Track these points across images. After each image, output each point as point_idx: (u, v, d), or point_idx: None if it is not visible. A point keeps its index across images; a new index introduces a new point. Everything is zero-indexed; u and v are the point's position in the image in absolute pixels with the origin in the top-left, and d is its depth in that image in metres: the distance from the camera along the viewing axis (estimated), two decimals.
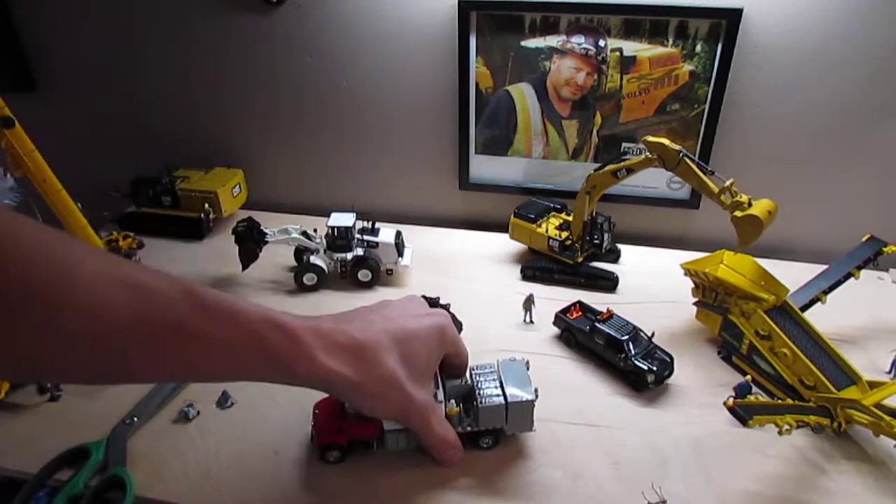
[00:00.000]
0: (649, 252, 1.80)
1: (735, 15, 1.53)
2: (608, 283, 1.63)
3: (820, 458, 1.13)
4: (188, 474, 1.11)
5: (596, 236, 1.66)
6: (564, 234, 1.65)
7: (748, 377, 1.30)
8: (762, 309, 1.26)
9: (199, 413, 1.24)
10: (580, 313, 1.46)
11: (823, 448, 1.15)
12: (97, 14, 1.91)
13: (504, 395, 1.11)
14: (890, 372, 1.34)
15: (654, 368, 1.27)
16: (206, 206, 1.85)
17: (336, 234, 1.62)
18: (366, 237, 1.64)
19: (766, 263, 1.35)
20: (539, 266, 1.67)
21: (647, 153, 1.40)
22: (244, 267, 1.62)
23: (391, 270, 1.67)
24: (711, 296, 1.39)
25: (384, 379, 0.97)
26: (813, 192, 1.74)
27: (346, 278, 1.67)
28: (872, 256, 1.40)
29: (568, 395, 1.29)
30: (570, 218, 1.68)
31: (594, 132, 1.77)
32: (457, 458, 1.09)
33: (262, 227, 1.61)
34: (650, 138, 1.39)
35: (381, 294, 1.63)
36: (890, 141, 1.63)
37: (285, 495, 1.07)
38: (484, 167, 1.91)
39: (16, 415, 1.25)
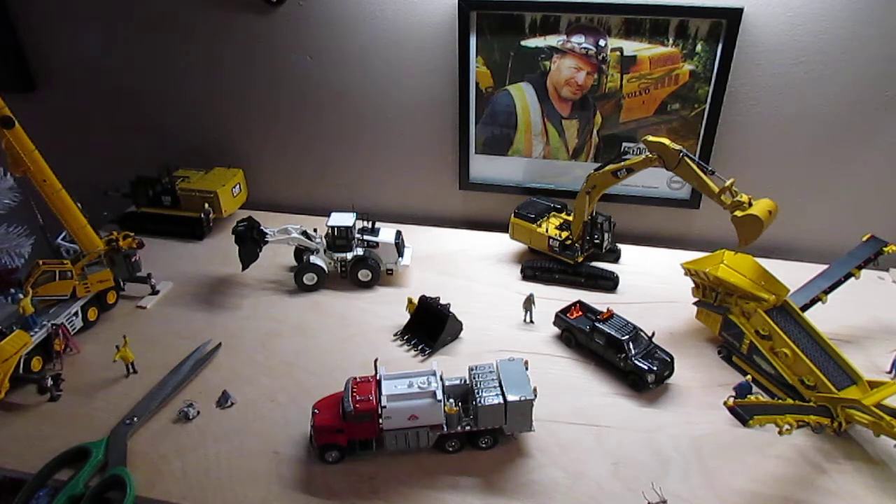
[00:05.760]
0: (649, 252, 1.80)
1: (735, 14, 1.53)
2: (608, 283, 1.63)
3: (820, 458, 1.13)
4: (188, 474, 1.11)
5: (596, 236, 1.66)
6: (564, 234, 1.65)
7: (748, 377, 1.30)
8: (762, 309, 1.26)
9: (199, 413, 1.24)
10: (580, 313, 1.46)
11: (824, 448, 1.15)
12: (97, 15, 1.91)
13: (503, 394, 1.11)
14: (890, 372, 1.34)
15: (655, 368, 1.27)
16: (206, 206, 1.85)
17: (336, 234, 1.62)
18: (366, 237, 1.64)
19: (766, 263, 1.35)
20: (539, 266, 1.67)
21: (648, 153, 1.40)
22: (244, 267, 1.62)
23: (391, 270, 1.67)
24: (712, 296, 1.39)
25: None
26: (813, 192, 1.74)
27: (346, 278, 1.67)
28: (873, 256, 1.40)
29: (568, 395, 1.29)
30: (571, 218, 1.68)
31: (594, 132, 1.77)
32: None
33: (262, 227, 1.61)
34: (650, 138, 1.39)
35: (381, 294, 1.64)
36: (891, 140, 1.63)
37: (285, 495, 1.07)
38: (484, 167, 1.91)
39: (16, 415, 1.25)
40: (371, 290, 1.65)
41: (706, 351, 1.41)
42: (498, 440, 1.16)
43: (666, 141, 1.35)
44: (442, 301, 1.45)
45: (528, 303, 1.49)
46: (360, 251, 1.64)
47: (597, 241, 1.67)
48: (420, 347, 1.42)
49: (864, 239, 1.44)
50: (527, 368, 1.16)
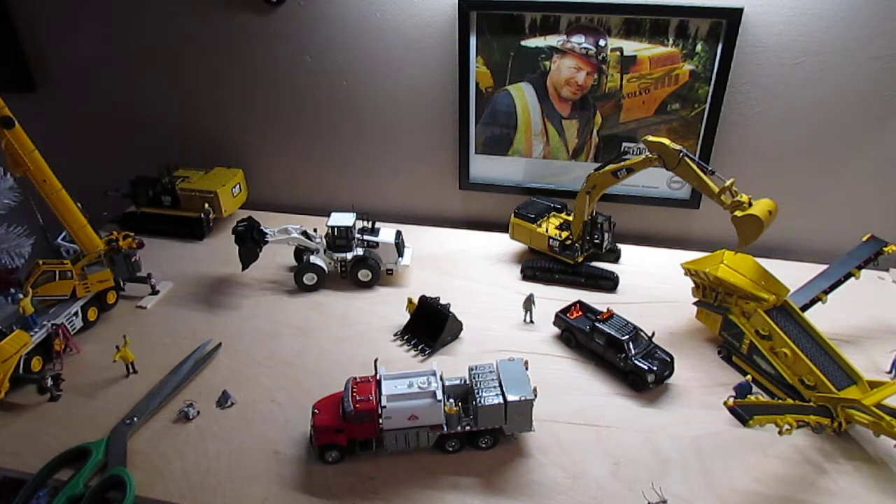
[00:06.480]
0: (649, 252, 1.80)
1: (735, 15, 1.53)
2: (608, 283, 1.63)
3: (820, 458, 1.13)
4: (188, 474, 1.11)
5: (596, 236, 1.66)
6: (564, 234, 1.65)
7: (748, 377, 1.30)
8: (762, 309, 1.26)
9: (199, 413, 1.24)
10: (580, 313, 1.46)
11: (824, 448, 1.15)
12: (97, 15, 1.91)
13: (503, 394, 1.11)
14: (890, 372, 1.34)
15: (655, 368, 1.27)
16: (206, 206, 1.85)
17: (336, 234, 1.62)
18: (366, 237, 1.64)
19: (766, 263, 1.35)
20: (539, 266, 1.67)
21: (648, 153, 1.40)
22: (244, 267, 1.62)
23: (391, 270, 1.67)
24: (712, 296, 1.39)
25: None
26: (813, 192, 1.74)
27: (346, 278, 1.67)
28: (873, 256, 1.40)
29: (568, 395, 1.29)
30: (571, 218, 1.68)
31: (594, 132, 1.77)
32: None
33: (262, 227, 1.61)
34: (650, 138, 1.39)
35: (381, 294, 1.63)
36: (890, 140, 1.63)
37: (285, 495, 1.07)
38: (484, 167, 1.91)
39: (16, 415, 1.25)
40: (371, 290, 1.65)
41: (706, 351, 1.41)
42: (498, 440, 1.16)
43: (666, 141, 1.35)
44: (442, 301, 1.45)
45: (528, 303, 1.49)
46: (360, 251, 1.64)
47: (597, 241, 1.67)
48: (420, 347, 1.42)
49: (864, 239, 1.44)
50: (527, 368, 1.16)
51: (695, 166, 1.33)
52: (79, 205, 1.45)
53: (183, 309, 1.57)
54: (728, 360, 1.37)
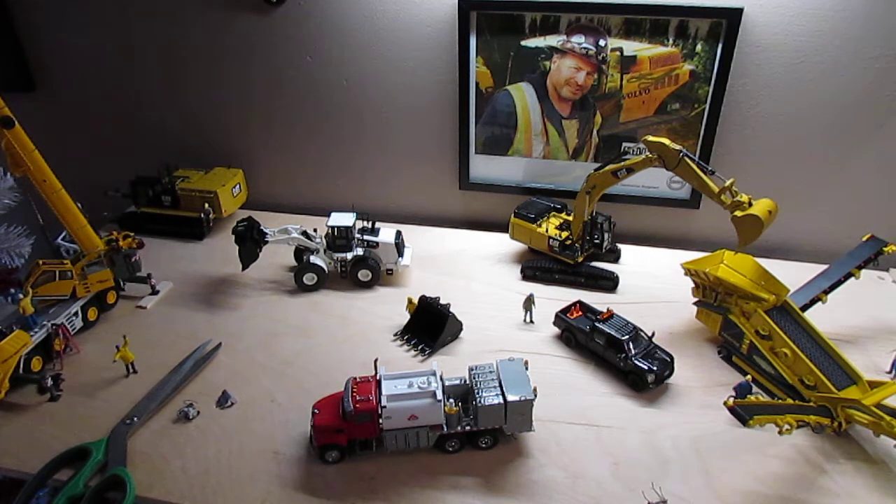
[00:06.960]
0: (649, 252, 1.80)
1: (735, 15, 1.53)
2: (608, 283, 1.63)
3: (820, 457, 1.13)
4: (188, 474, 1.11)
5: (596, 236, 1.66)
6: (564, 234, 1.65)
7: (748, 377, 1.30)
8: (762, 309, 1.26)
9: (199, 413, 1.24)
10: (580, 313, 1.46)
11: (824, 448, 1.15)
12: (97, 15, 1.91)
13: (503, 394, 1.11)
14: (890, 372, 1.34)
15: (655, 368, 1.27)
16: (206, 206, 1.85)
17: (336, 234, 1.62)
18: (366, 237, 1.64)
19: (766, 263, 1.35)
20: (539, 266, 1.67)
21: (648, 153, 1.40)
22: (244, 267, 1.62)
23: (391, 270, 1.67)
24: (712, 296, 1.39)
25: None
26: (813, 192, 1.74)
27: (346, 278, 1.67)
28: (873, 256, 1.40)
29: (568, 395, 1.29)
30: (571, 218, 1.68)
31: (594, 132, 1.77)
32: None
33: (262, 227, 1.61)
34: (650, 138, 1.39)
35: (381, 294, 1.63)
36: (890, 140, 1.63)
37: (285, 495, 1.07)
38: (484, 167, 1.91)
39: (16, 415, 1.25)
40: (371, 290, 1.65)
41: (706, 351, 1.41)
42: (498, 440, 1.16)
43: (666, 141, 1.35)
44: (442, 301, 1.45)
45: (528, 303, 1.49)
46: (360, 251, 1.64)
47: (597, 241, 1.67)
48: (420, 347, 1.42)
49: (864, 239, 1.44)
50: (527, 368, 1.16)
51: (695, 166, 1.33)
52: (79, 205, 1.45)
53: (183, 309, 1.57)
54: (728, 360, 1.37)
